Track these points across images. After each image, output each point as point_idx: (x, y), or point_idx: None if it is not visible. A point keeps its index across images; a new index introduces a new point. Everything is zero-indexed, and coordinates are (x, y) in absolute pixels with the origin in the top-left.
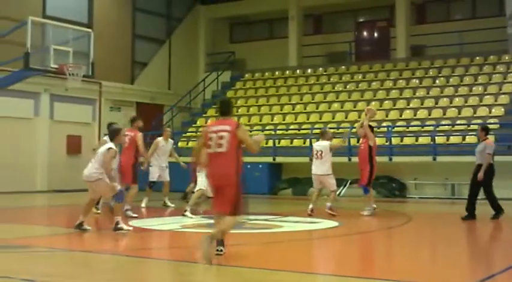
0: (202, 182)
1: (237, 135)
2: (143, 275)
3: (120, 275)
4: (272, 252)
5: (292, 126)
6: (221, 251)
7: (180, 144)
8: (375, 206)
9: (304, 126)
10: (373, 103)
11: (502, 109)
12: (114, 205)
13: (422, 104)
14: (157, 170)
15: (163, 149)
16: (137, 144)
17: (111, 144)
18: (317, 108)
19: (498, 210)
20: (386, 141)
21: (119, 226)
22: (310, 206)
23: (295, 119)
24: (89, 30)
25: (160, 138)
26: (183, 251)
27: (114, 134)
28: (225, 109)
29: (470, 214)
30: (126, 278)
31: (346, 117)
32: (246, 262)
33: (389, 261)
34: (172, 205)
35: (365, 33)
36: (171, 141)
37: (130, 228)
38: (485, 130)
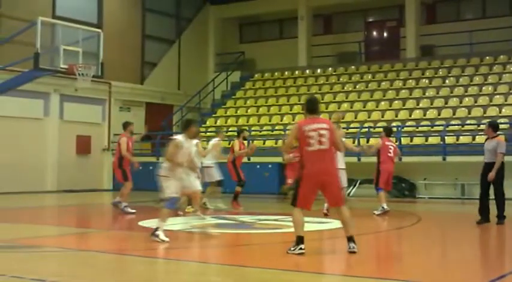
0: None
1: (334, 132)
2: (152, 275)
3: (130, 275)
4: (282, 252)
5: None
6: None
7: None
8: (385, 206)
9: None
10: (383, 103)
11: None
12: (163, 209)
13: (432, 104)
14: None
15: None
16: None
17: (178, 136)
18: (326, 109)
19: (502, 217)
20: (396, 141)
21: (156, 232)
22: (326, 205)
23: None
24: (99, 30)
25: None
26: (192, 251)
27: (186, 125)
28: (314, 107)
29: (484, 217)
30: (136, 278)
31: (355, 117)
32: (256, 262)
33: (399, 262)
34: (211, 207)
35: (375, 33)
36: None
37: (166, 239)
38: (494, 127)
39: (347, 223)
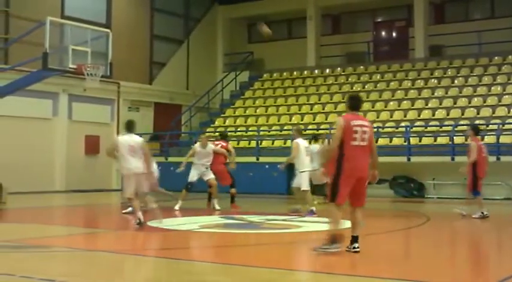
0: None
1: (372, 132)
2: (160, 275)
3: (138, 275)
4: (291, 252)
5: (310, 126)
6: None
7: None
8: (485, 212)
9: (322, 126)
10: (392, 103)
11: None
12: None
13: (440, 104)
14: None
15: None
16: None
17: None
18: (335, 109)
19: None
20: (405, 141)
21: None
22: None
23: (313, 119)
24: (107, 30)
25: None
26: (200, 251)
27: (129, 126)
28: (358, 104)
29: None
30: (144, 278)
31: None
32: (265, 262)
33: (408, 262)
34: (219, 207)
35: (383, 33)
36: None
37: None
38: None
39: (358, 224)
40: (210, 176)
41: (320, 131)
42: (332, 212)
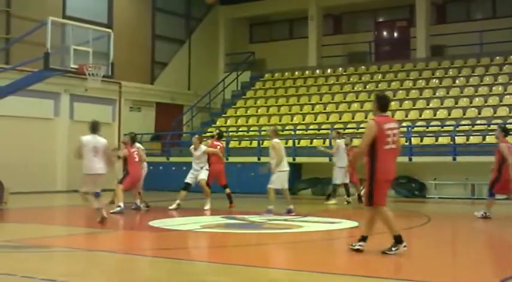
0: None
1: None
2: (162, 275)
3: (139, 275)
4: (292, 252)
5: (311, 127)
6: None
7: None
8: (488, 213)
9: (323, 127)
10: (393, 103)
11: None
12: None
13: (442, 104)
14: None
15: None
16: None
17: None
18: (337, 109)
19: None
20: (406, 141)
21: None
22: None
23: (315, 119)
24: (109, 30)
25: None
26: (202, 251)
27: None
28: (387, 104)
29: None
30: (145, 278)
31: (365, 117)
32: (266, 262)
33: (409, 261)
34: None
35: (385, 33)
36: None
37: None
38: None
39: (374, 225)
40: (201, 176)
41: (321, 131)
42: (382, 214)
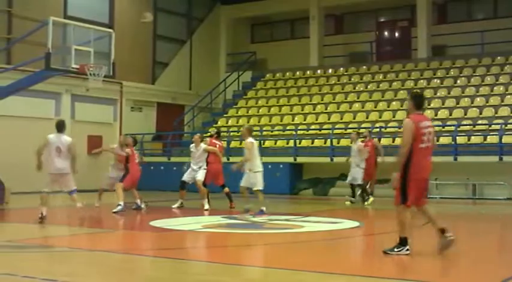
0: None
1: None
2: (163, 275)
3: (140, 274)
4: (294, 252)
5: (313, 127)
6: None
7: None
8: None
9: (325, 127)
10: (394, 103)
11: None
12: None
13: (443, 104)
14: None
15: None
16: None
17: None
18: (338, 109)
19: None
20: None
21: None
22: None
23: (316, 119)
24: (110, 30)
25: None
26: (203, 251)
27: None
28: (423, 102)
29: None
30: (146, 278)
31: (367, 117)
32: (268, 262)
33: (410, 262)
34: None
35: (386, 33)
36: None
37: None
38: None
39: (435, 218)
40: (198, 177)
41: (323, 131)
42: (402, 214)
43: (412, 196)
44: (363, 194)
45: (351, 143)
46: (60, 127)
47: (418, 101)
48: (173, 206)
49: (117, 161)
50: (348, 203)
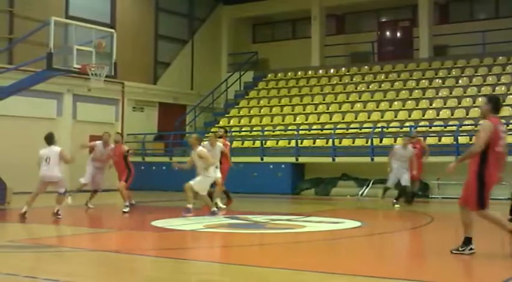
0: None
1: None
2: (165, 275)
3: (142, 274)
4: (295, 252)
5: (314, 126)
6: None
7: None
8: None
9: (326, 126)
10: (396, 103)
11: None
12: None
13: (445, 104)
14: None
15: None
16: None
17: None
18: (340, 108)
19: None
20: None
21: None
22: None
23: (318, 119)
24: (112, 30)
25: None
26: (204, 251)
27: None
28: (500, 106)
29: None
30: (148, 277)
31: (368, 117)
32: (269, 262)
33: (413, 262)
34: (224, 206)
35: (388, 33)
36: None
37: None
38: None
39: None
40: (217, 174)
41: (324, 131)
42: (490, 216)
43: (487, 199)
44: (412, 195)
45: (403, 147)
46: (50, 140)
47: (495, 105)
48: (188, 205)
49: (97, 160)
50: (397, 205)
